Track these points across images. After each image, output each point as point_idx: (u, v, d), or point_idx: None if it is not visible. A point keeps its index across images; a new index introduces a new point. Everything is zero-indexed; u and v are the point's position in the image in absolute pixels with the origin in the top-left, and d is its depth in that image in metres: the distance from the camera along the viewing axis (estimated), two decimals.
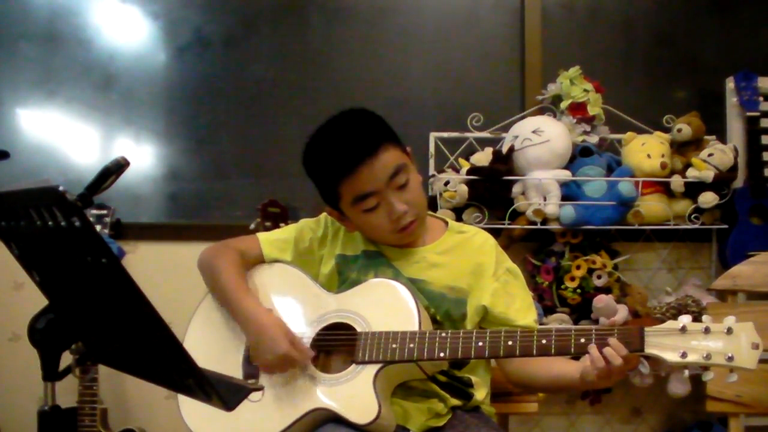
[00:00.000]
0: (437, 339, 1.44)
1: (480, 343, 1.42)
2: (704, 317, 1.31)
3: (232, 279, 1.61)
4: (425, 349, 1.43)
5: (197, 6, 2.87)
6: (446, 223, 1.72)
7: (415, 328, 1.46)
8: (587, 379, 1.38)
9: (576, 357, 1.42)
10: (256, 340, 1.52)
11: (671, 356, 1.29)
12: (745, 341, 1.27)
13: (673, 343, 1.30)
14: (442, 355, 1.43)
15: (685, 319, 1.31)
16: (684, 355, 1.29)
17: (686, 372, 1.33)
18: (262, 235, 1.71)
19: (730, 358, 1.26)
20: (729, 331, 1.28)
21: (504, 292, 1.61)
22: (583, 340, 1.36)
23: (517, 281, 1.66)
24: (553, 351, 1.38)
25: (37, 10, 2.80)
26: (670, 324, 1.32)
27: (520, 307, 1.61)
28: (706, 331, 1.29)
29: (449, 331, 1.47)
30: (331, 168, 1.53)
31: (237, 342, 1.59)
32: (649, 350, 1.32)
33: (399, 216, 1.54)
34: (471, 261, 1.63)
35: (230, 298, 1.59)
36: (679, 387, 2.50)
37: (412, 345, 1.44)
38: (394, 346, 1.44)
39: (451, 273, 1.61)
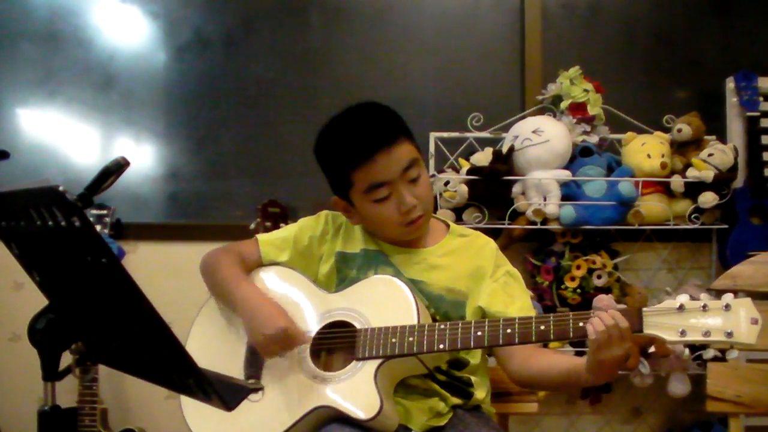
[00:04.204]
0: (436, 331, 1.44)
1: (479, 333, 1.42)
2: (702, 295, 1.30)
3: (230, 272, 1.62)
4: (425, 342, 1.44)
5: (197, 6, 2.87)
6: (448, 225, 1.72)
7: (414, 321, 1.47)
8: (588, 363, 1.35)
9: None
10: (252, 319, 1.52)
11: (670, 335, 1.28)
12: (744, 317, 1.25)
13: (672, 322, 1.28)
14: (441, 347, 1.43)
15: (682, 298, 1.30)
16: (683, 333, 1.27)
17: (686, 351, 1.31)
18: (261, 237, 1.72)
19: (729, 334, 1.24)
20: (727, 307, 1.26)
21: (503, 293, 1.60)
22: (581, 324, 1.34)
23: (517, 284, 1.66)
24: (552, 336, 1.38)
25: (37, 10, 2.80)
26: (667, 303, 1.30)
27: (520, 308, 1.60)
28: (704, 308, 1.27)
29: (447, 322, 1.47)
30: (348, 154, 1.53)
31: (239, 344, 1.59)
32: (648, 330, 1.30)
33: (408, 209, 1.54)
34: (471, 264, 1.63)
35: (227, 289, 1.59)
36: (679, 387, 2.50)
37: (411, 338, 1.44)
38: (393, 340, 1.45)
39: (451, 275, 1.61)
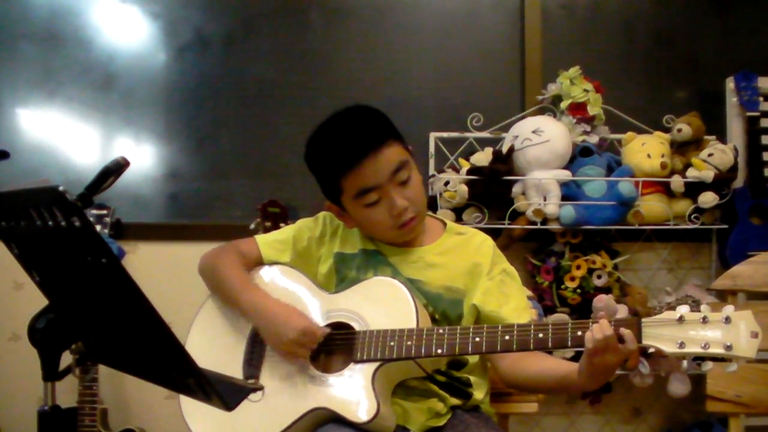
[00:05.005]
0: (434, 336, 1.44)
1: (477, 339, 1.42)
2: (702, 307, 1.29)
3: (236, 276, 1.61)
4: (423, 346, 1.43)
5: (197, 6, 2.87)
6: (444, 224, 1.72)
7: (413, 325, 1.46)
8: (581, 367, 1.35)
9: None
10: (272, 327, 1.52)
11: (669, 347, 1.28)
12: (744, 330, 1.24)
13: (671, 334, 1.28)
14: (439, 351, 1.43)
15: (682, 310, 1.29)
16: (682, 345, 1.26)
17: (685, 363, 1.31)
18: (260, 238, 1.72)
19: (729, 347, 1.24)
20: (727, 320, 1.25)
21: (497, 292, 1.60)
22: (580, 333, 1.34)
23: (514, 282, 1.65)
24: (550, 344, 1.37)
25: (37, 10, 2.80)
26: (667, 314, 1.30)
27: (515, 308, 1.59)
28: (704, 320, 1.27)
29: (446, 327, 1.47)
30: (335, 161, 1.53)
31: (238, 344, 1.60)
32: (647, 341, 1.29)
33: (400, 212, 1.54)
34: (468, 261, 1.63)
35: (235, 295, 1.59)
36: (679, 387, 2.50)
37: (409, 342, 1.44)
38: (392, 343, 1.45)
39: (448, 273, 1.61)
